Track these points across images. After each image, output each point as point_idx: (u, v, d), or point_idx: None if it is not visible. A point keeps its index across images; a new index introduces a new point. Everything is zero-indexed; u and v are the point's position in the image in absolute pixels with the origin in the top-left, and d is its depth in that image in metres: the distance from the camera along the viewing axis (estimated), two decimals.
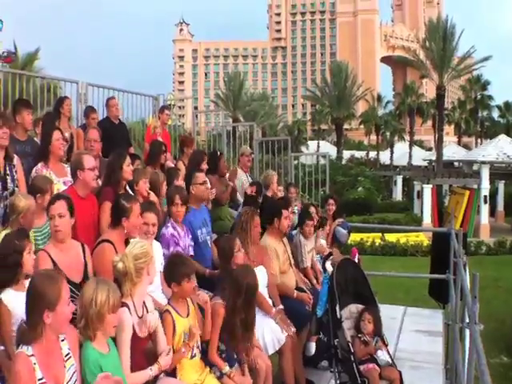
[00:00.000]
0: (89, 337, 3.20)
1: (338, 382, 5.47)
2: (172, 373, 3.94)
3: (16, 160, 5.38)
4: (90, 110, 8.51)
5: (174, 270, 4.10)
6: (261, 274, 5.35)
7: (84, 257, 4.18)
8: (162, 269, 4.55)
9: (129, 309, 3.64)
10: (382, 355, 5.41)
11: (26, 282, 3.49)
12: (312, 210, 7.08)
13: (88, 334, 3.20)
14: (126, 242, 4.45)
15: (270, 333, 5.00)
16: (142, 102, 11.62)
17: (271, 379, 4.72)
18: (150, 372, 3.58)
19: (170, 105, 14.26)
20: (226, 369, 4.33)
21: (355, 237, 23.12)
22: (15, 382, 2.84)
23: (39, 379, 2.89)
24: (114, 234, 4.41)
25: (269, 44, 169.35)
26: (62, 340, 3.11)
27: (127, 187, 5.67)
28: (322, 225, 7.42)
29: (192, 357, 4.09)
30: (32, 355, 2.89)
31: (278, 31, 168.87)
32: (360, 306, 5.74)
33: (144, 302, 3.86)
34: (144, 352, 3.72)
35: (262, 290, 5.24)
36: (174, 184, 6.36)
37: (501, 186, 38.55)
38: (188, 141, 8.83)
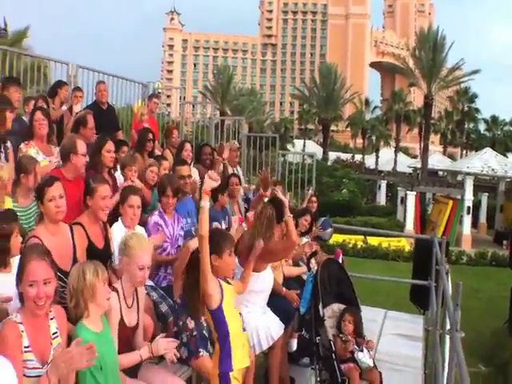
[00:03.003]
0: (82, 313, 3.13)
1: (319, 379, 5.45)
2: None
3: (9, 144, 5.39)
4: (75, 89, 8.41)
5: (215, 241, 3.92)
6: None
7: (73, 239, 4.05)
8: None
9: (118, 294, 3.55)
10: (363, 357, 5.37)
11: (14, 260, 3.40)
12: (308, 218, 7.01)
13: (81, 310, 3.13)
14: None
15: (263, 328, 4.90)
16: (131, 88, 11.50)
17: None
18: (141, 352, 3.51)
19: (158, 93, 14.09)
20: None
21: (338, 238, 23.14)
22: (2, 346, 2.74)
23: (25, 347, 2.83)
24: (84, 216, 4.35)
25: (259, 40, 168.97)
26: (51, 318, 3.03)
27: (118, 173, 5.68)
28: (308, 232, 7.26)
29: None
30: (20, 323, 2.84)
31: (269, 28, 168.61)
32: (342, 306, 5.72)
33: (136, 292, 3.78)
34: (127, 341, 3.61)
35: None
36: (166, 174, 6.33)
37: (484, 198, 38.80)
38: (168, 130, 8.87)
